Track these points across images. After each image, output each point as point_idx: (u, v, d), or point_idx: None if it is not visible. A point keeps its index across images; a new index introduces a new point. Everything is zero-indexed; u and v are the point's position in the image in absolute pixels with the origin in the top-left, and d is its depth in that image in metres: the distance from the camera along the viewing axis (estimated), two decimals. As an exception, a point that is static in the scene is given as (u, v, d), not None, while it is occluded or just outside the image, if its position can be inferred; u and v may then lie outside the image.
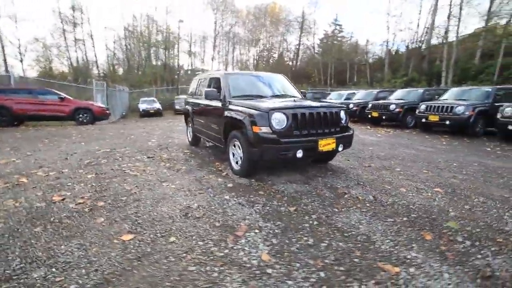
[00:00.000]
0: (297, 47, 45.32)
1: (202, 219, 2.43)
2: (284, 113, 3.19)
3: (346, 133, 3.63)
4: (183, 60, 37.69)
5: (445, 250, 1.99)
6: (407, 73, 27.80)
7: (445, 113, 7.83)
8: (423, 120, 8.43)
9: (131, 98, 22.62)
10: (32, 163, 4.37)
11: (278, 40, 48.12)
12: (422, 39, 27.00)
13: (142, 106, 19.03)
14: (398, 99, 10.43)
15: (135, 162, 4.46)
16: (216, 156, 4.95)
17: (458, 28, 21.50)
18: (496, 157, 5.06)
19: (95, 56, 32.28)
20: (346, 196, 3.01)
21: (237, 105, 3.69)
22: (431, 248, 2.00)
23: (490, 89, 8.09)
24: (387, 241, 2.10)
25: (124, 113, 19.07)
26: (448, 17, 22.69)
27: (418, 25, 29.09)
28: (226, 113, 3.84)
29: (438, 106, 8.08)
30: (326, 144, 3.30)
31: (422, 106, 8.60)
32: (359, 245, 2.04)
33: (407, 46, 29.00)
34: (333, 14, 66.99)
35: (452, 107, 7.72)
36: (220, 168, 4.12)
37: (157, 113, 18.97)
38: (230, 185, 3.35)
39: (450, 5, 22.39)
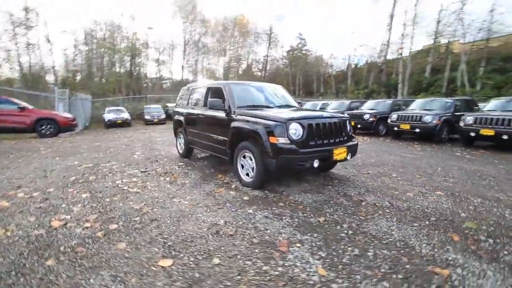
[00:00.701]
0: (266, 58, 46.53)
1: (236, 236, 2.30)
2: (301, 124, 3.22)
3: (353, 142, 3.77)
4: (150, 69, 36.37)
5: (475, 249, 2.13)
6: (367, 85, 30.13)
7: (415, 122, 8.58)
8: (395, 128, 9.13)
9: (94, 107, 21.01)
10: (5, 183, 3.78)
11: (246, 51, 49.00)
12: (380, 54, 29.58)
13: (108, 116, 17.75)
14: (371, 109, 11.19)
15: (130, 178, 4.11)
16: (215, 168, 4.78)
17: (411, 44, 24.04)
18: (468, 161, 5.65)
19: (53, 61, 29.55)
20: (363, 203, 3.09)
21: (247, 116, 3.63)
22: (464, 249, 2.14)
23: (451, 100, 9.10)
24: (423, 245, 2.19)
25: (87, 124, 17.61)
26: (402, 35, 25.25)
27: (375, 42, 31.88)
28: (233, 123, 3.75)
29: (408, 116, 8.84)
30: (339, 153, 3.39)
31: (394, 116, 9.32)
32: (402, 251, 2.10)
33: (367, 61, 31.54)
34: (299, 28, 70.39)
35: (421, 117, 8.50)
36: (226, 181, 3.97)
37: (124, 123, 17.84)
38: (246, 198, 3.24)
39: (404, 24, 25.00)
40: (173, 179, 4.05)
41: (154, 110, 20.63)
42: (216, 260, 1.93)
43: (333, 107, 13.47)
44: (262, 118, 3.38)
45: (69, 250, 2.07)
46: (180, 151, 5.82)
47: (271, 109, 3.96)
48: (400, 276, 1.78)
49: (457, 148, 7.32)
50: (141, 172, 4.49)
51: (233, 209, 2.89)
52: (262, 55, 47.98)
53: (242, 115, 3.71)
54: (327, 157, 3.30)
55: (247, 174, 3.64)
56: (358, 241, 2.25)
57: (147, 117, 19.46)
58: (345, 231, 2.41)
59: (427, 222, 2.61)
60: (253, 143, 3.45)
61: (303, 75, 36.58)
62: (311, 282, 1.71)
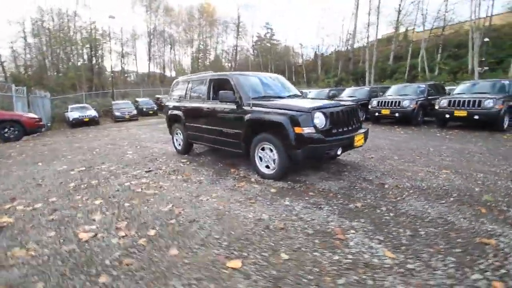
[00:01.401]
0: (235, 48, 45.77)
1: (288, 229, 2.27)
2: (323, 112, 3.23)
3: (365, 128, 3.89)
4: (113, 61, 33.64)
5: (504, 218, 2.36)
6: (336, 74, 31.23)
7: (395, 107, 9.12)
8: (376, 113, 9.63)
9: (54, 105, 19.07)
10: (-7, 195, 3.30)
11: (214, 41, 47.69)
12: (347, 43, 30.69)
13: (73, 115, 16.24)
14: (350, 96, 11.64)
15: (138, 179, 3.83)
16: (222, 162, 4.65)
17: (376, 33, 25.23)
18: (450, 140, 6.17)
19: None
20: (386, 186, 3.24)
21: (265, 107, 3.55)
22: (495, 219, 2.35)
23: (424, 86, 9.81)
24: (461, 219, 2.37)
25: (48, 124, 15.96)
26: (368, 25, 26.40)
27: (342, 31, 32.95)
28: (249, 115, 3.64)
29: (388, 101, 9.36)
30: (358, 139, 3.49)
31: (374, 102, 9.81)
32: (446, 227, 2.24)
33: (335, 50, 32.58)
34: (267, 18, 69.91)
35: (399, 102, 9.05)
36: (241, 174, 3.89)
37: (92, 122, 16.49)
38: (273, 190, 3.21)
39: (369, 14, 26.11)
40: (186, 177, 3.86)
41: (124, 106, 19.35)
42: (284, 255, 1.89)
43: (313, 96, 13.75)
44: (284, 109, 3.33)
45: (117, 263, 1.88)
46: (178, 148, 5.55)
47: (284, 99, 3.92)
48: (458, 250, 1.91)
49: (434, 130, 7.96)
50: (146, 172, 4.20)
51: (267, 203, 2.84)
52: (230, 45, 47.10)
53: (258, 107, 3.62)
54: (348, 144, 3.38)
55: (267, 166, 3.60)
56: (403, 222, 2.35)
57: (116, 113, 18.21)
58: (387, 214, 2.51)
59: (451, 199, 2.81)
60: (274, 134, 3.40)
61: (274, 65, 36.72)
62: (388, 266, 1.75)
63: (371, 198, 2.88)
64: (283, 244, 2.04)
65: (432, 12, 24.12)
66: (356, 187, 3.22)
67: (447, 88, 12.09)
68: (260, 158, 3.67)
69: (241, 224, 2.38)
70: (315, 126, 3.13)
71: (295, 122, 3.14)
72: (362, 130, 3.72)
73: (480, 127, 7.51)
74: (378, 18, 25.25)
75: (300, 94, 4.64)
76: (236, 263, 1.81)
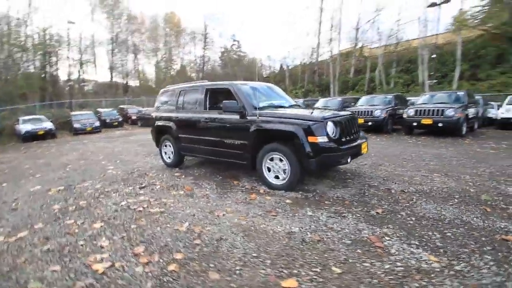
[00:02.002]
0: (202, 59, 45.48)
1: (325, 241, 2.22)
2: (333, 121, 3.30)
3: (366, 137, 4.05)
4: (70, 69, 30.70)
5: (508, 215, 2.58)
6: (303, 85, 32.63)
7: (368, 116, 9.75)
8: (351, 122, 10.18)
9: (1, 117, 16.80)
10: (-43, 226, 2.71)
11: (179, 51, 46.85)
12: (311, 57, 32.40)
13: (25, 127, 14.43)
14: (324, 106, 12.17)
15: (135, 197, 3.48)
16: (220, 174, 4.45)
17: (339, 48, 27.10)
18: (424, 146, 6.73)
19: None
20: (393, 191, 3.37)
21: (273, 116, 3.51)
22: (502, 216, 2.56)
23: (391, 96, 10.67)
24: (474, 219, 2.54)
25: (-6, 139, 13.97)
26: (330, 40, 28.24)
27: (307, 45, 34.77)
28: (255, 125, 3.57)
29: (361, 111, 9.97)
30: (364, 147, 3.61)
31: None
32: (466, 227, 2.38)
33: (301, 62, 34.11)
34: (235, 29, 70.66)
35: (371, 111, 9.71)
36: (247, 186, 3.76)
37: (48, 135, 14.84)
38: (288, 201, 3.14)
39: (331, 30, 27.99)
40: (188, 192, 3.61)
41: (85, 117, 17.79)
42: (336, 269, 1.83)
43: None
44: (295, 118, 3.32)
45: (155, 294, 1.65)
46: (167, 161, 5.21)
47: (288, 109, 3.93)
48: (489, 248, 2.03)
49: (403, 137, 8.64)
50: (140, 188, 3.84)
51: (289, 214, 2.77)
52: (197, 55, 46.67)
53: (265, 116, 3.56)
54: (356, 152, 3.48)
55: (276, 177, 3.53)
56: (427, 225, 2.45)
57: (76, 125, 16.63)
58: (409, 218, 2.59)
59: (455, 200, 3.02)
60: (285, 144, 3.36)
61: (244, 76, 37.15)
62: (438, 269, 1.79)
63: (386, 204, 2.97)
64: (329, 257, 1.98)
65: (386, 30, 26.97)
66: (367, 194, 3.30)
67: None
68: (268, 169, 3.59)
69: (273, 239, 2.27)
70: (327, 135, 3.17)
71: (308, 131, 3.14)
72: (364, 139, 3.87)
73: (442, 134, 8.33)
74: (339, 34, 27.22)
75: (299, 105, 4.70)
76: (292, 283, 1.70)
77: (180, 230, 2.50)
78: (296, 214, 2.76)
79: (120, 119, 19.80)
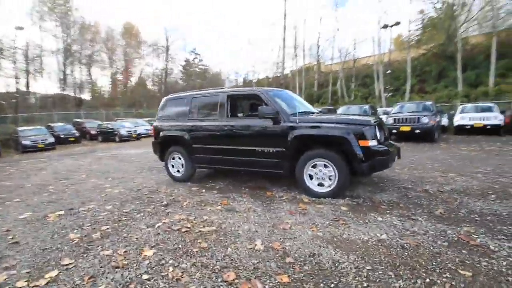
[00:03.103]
0: (165, 71, 43.93)
1: (423, 245, 2.11)
2: (379, 125, 3.31)
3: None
4: (13, 81, 26.53)
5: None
6: (270, 97, 33.46)
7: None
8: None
9: None
10: None
11: (139, 63, 44.63)
12: (277, 71, 33.62)
13: (-42, 147, 12.04)
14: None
15: (168, 216, 2.99)
16: (244, 185, 4.13)
17: (303, 63, 28.58)
18: (411, 151, 7.24)
19: None
20: (431, 192, 3.46)
21: (315, 122, 3.40)
22: (545, 209, 2.78)
23: (367, 106, 11.43)
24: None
25: None
26: (296, 55, 29.72)
27: (272, 59, 36.01)
28: (297, 131, 3.40)
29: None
30: (399, 152, 3.68)
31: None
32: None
33: (266, 76, 35.15)
34: (198, 42, 69.73)
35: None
36: (286, 197, 3.52)
37: (-11, 154, 12.58)
38: (344, 208, 3.00)
39: (295, 47, 29.54)
40: (227, 206, 3.24)
41: (35, 132, 15.53)
42: (465, 272, 1.72)
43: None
44: (343, 123, 3.25)
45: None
46: (176, 175, 4.69)
47: (324, 115, 3.87)
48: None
49: (387, 143, 9.23)
50: (163, 206, 3.34)
51: (360, 221, 2.62)
52: (158, 67, 45.00)
53: (306, 122, 3.43)
54: (397, 155, 3.52)
55: (320, 184, 3.37)
56: (495, 220, 2.52)
57: (25, 142, 14.40)
58: (474, 216, 2.65)
59: (493, 196, 3.21)
60: (331, 149, 3.25)
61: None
62: (556, 262, 1.80)
63: (439, 204, 3.01)
64: (445, 261, 1.87)
65: (344, 48, 29.65)
66: (410, 196, 3.33)
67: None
68: (311, 177, 3.42)
69: (369, 249, 2.09)
70: (377, 139, 3.16)
71: (360, 135, 3.09)
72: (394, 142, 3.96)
73: (417, 140, 9.09)
74: (303, 51, 28.84)
75: (322, 111, 4.68)
76: (439, 293, 1.54)
77: (256, 249, 2.17)
78: (367, 221, 2.62)
79: (77, 134, 17.76)
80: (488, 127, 10.40)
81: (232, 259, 2.03)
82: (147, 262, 2.04)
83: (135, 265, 2.01)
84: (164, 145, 4.79)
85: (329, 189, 3.32)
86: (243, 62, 64.09)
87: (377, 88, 24.51)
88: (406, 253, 2.01)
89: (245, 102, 4.14)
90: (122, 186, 4.54)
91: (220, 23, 63.88)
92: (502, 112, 11.04)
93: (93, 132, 18.99)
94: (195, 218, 2.90)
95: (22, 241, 2.51)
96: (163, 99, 5.07)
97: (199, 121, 4.35)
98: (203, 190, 4.02)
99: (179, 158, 4.62)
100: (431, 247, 2.07)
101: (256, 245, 2.23)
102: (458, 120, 11.51)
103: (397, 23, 20.26)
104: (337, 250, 2.09)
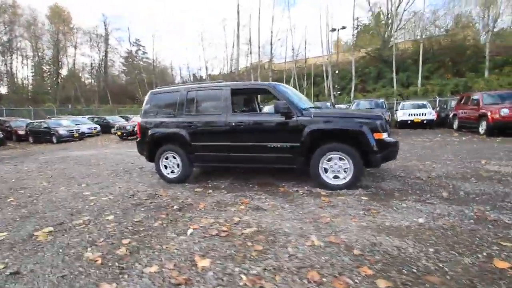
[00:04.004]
0: (104, 63, 39.45)
1: (456, 225, 2.36)
2: (385, 119, 3.56)
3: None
4: None
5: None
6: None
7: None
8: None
9: None
10: None
11: (72, 53, 39.09)
12: (231, 67, 33.38)
13: None
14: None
15: (195, 221, 2.71)
16: (249, 182, 4.01)
17: (258, 60, 28.97)
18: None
19: None
20: (424, 179, 3.89)
21: (329, 116, 3.49)
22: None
23: (329, 103, 12.21)
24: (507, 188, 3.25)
25: None
26: (250, 52, 29.91)
27: (226, 56, 35.38)
28: (313, 126, 3.44)
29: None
30: (396, 143, 4.04)
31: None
32: (513, 196, 3.03)
33: (220, 72, 34.56)
34: (145, 35, 64.06)
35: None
36: (302, 191, 3.54)
37: None
38: (365, 198, 3.16)
39: (250, 44, 29.69)
40: (249, 206, 3.10)
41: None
42: (507, 244, 1.99)
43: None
44: (358, 117, 3.40)
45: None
46: (170, 176, 4.28)
47: (335, 109, 3.97)
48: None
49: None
50: (179, 211, 3.01)
51: (389, 209, 2.79)
52: (95, 58, 40.19)
53: (321, 116, 3.49)
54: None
55: (335, 177, 3.49)
56: (490, 199, 2.97)
57: None
58: (472, 196, 3.07)
59: (473, 179, 3.76)
60: (346, 142, 3.38)
61: (163, 83, 34.32)
62: (560, 228, 2.22)
63: (439, 189, 3.41)
64: (486, 236, 2.12)
65: (296, 47, 31.03)
66: (410, 183, 3.69)
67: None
68: (325, 170, 3.51)
69: (418, 233, 2.25)
70: (387, 131, 3.40)
71: (375, 128, 3.28)
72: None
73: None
74: (259, 48, 29.24)
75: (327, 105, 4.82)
76: (503, 264, 1.75)
77: (317, 245, 2.13)
78: (394, 208, 2.81)
79: (1, 135, 14.70)
80: (425, 121, 12.18)
81: (300, 259, 1.95)
82: (210, 273, 1.82)
83: (199, 278, 1.77)
84: (154, 144, 4.31)
85: (344, 181, 3.46)
86: (195, 57, 61.83)
87: (327, 86, 26.40)
88: (450, 233, 2.22)
89: (250, 97, 3.99)
90: (107, 192, 3.94)
91: (170, 16, 60.24)
92: (433, 109, 13.11)
93: (21, 132, 16.00)
94: (226, 221, 2.69)
95: (23, 269, 1.97)
96: (149, 93, 4.56)
97: (199, 117, 4.04)
98: (210, 191, 3.77)
99: (174, 158, 4.23)
100: (464, 226, 2.34)
101: (313, 241, 2.19)
102: (401, 115, 13.17)
103: (344, 27, 22.05)
104: (391, 237, 2.20)
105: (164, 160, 4.30)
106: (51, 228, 2.70)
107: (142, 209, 3.17)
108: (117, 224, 2.75)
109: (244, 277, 1.76)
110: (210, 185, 4.08)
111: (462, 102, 10.66)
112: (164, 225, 2.68)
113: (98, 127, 18.20)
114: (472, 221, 2.43)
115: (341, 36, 30.89)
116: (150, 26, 58.72)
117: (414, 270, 1.75)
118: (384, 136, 3.33)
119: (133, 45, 44.96)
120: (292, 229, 2.44)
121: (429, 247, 2.02)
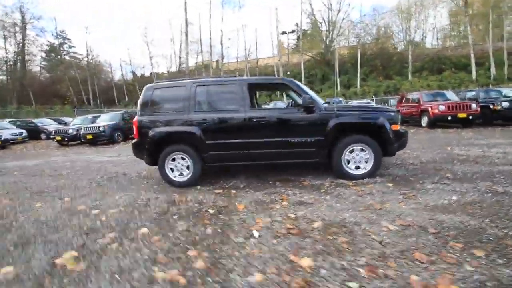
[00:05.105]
0: (21, 58, 33.06)
1: (484, 200, 2.74)
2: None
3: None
4: None
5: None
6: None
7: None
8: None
9: None
10: None
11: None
12: (180, 66, 31.79)
13: None
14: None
15: (250, 225, 2.52)
16: (266, 180, 3.92)
17: (210, 60, 28.33)
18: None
19: None
20: (416, 165, 4.42)
21: (355, 110, 3.76)
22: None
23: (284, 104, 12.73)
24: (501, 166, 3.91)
25: None
26: (201, 51, 29.03)
27: (174, 54, 33.54)
28: (337, 120, 3.56)
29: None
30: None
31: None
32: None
33: (168, 70, 32.58)
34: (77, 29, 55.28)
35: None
36: (327, 184, 3.62)
37: None
38: (390, 184, 3.42)
39: (200, 43, 28.77)
40: (290, 200, 3.03)
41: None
42: (535, 209, 2.41)
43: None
44: (377, 111, 3.67)
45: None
46: (179, 179, 3.87)
47: (351, 104, 4.14)
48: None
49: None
50: (220, 215, 2.76)
51: (419, 192, 3.08)
52: (9, 50, 33.43)
53: (343, 110, 3.64)
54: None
55: (357, 168, 3.68)
56: (488, 176, 3.52)
57: None
58: (471, 175, 3.62)
59: (458, 162, 4.42)
60: (367, 134, 3.60)
61: (99, 81, 30.49)
62: (553, 193, 2.79)
63: (439, 171, 3.91)
64: (513, 206, 2.54)
65: (247, 47, 31.38)
66: (412, 169, 4.15)
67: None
68: (348, 161, 3.67)
69: (460, 210, 2.54)
70: (399, 123, 3.75)
71: (392, 121, 3.58)
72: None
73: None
74: (210, 47, 28.58)
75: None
76: (551, 224, 2.12)
77: (394, 230, 2.22)
78: (422, 190, 3.13)
79: None
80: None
81: (393, 244, 2.01)
82: (323, 271, 1.73)
83: (317, 277, 1.66)
84: (158, 145, 3.83)
85: (365, 170, 3.68)
86: (138, 54, 56.82)
87: (278, 86, 27.50)
88: (484, 206, 2.58)
89: (265, 91, 3.89)
90: (109, 203, 3.33)
91: (107, 6, 53.82)
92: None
93: None
94: (284, 219, 2.58)
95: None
96: (147, 88, 4.02)
97: (213, 113, 3.76)
98: (233, 191, 3.55)
99: (183, 159, 3.84)
100: (488, 200, 2.74)
101: (388, 227, 2.27)
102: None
103: (293, 31, 23.34)
104: (447, 214, 2.44)
105: (169, 163, 3.86)
106: (74, 253, 2.16)
107: (175, 217, 2.79)
108: (162, 236, 2.36)
109: (359, 269, 1.73)
110: (227, 186, 3.83)
111: (403, 101, 12.38)
112: (219, 230, 2.42)
113: (24, 132, 15.23)
114: (490, 194, 2.87)
115: (287, 39, 32.51)
116: (82, 18, 51.46)
117: (491, 238, 1.98)
118: (399, 127, 3.67)
119: (58, 38, 39.03)
120: (356, 218, 2.48)
121: (482, 218, 2.31)
